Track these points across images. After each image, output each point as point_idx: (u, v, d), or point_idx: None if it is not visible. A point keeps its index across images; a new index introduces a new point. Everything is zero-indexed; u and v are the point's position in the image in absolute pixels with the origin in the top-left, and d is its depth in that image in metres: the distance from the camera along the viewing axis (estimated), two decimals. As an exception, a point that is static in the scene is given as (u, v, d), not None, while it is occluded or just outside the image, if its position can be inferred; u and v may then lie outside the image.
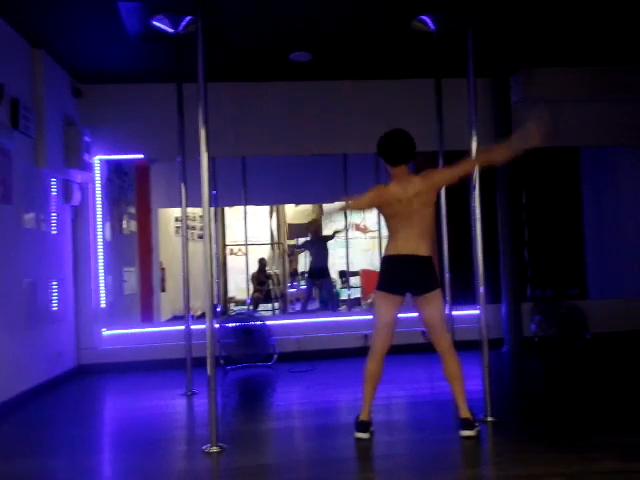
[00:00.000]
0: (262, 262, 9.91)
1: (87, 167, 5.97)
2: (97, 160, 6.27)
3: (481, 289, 3.92)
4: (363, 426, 3.47)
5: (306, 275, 9.50)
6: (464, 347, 4.52)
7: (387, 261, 3.50)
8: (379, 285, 3.50)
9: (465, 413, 3.43)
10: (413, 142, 3.50)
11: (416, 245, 3.42)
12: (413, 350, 5.78)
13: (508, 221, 6.53)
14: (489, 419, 3.72)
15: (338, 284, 9.60)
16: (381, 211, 3.58)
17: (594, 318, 6.58)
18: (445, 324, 3.59)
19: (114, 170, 6.73)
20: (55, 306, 5.55)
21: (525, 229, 7.09)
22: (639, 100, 6.64)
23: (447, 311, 5.00)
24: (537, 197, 7.21)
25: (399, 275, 3.43)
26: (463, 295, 5.55)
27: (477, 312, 3.96)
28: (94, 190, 6.28)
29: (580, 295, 7.37)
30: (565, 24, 5.26)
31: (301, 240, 10.12)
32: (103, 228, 6.30)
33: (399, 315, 3.51)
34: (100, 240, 6.25)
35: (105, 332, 6.20)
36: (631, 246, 7.31)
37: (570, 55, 6.13)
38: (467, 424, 3.41)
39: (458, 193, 5.38)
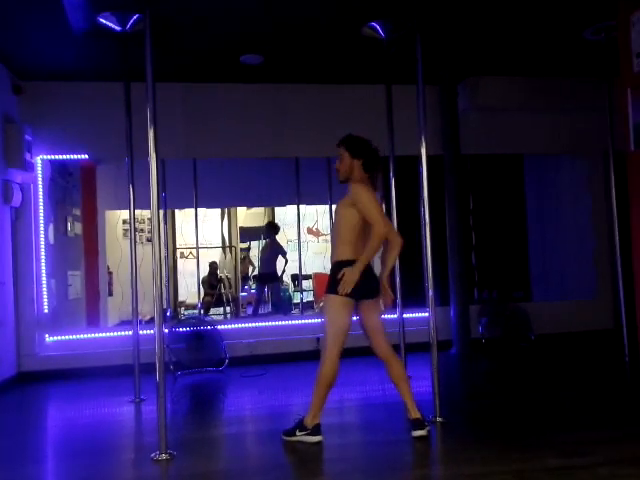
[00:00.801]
0: (213, 265, 9.78)
1: (28, 167, 5.74)
2: (39, 160, 6.05)
3: (430, 292, 4.00)
4: (318, 429, 3.47)
5: (256, 279, 9.45)
6: (414, 349, 4.60)
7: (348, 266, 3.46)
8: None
9: (415, 413, 3.48)
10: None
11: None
12: (362, 353, 5.82)
13: (456, 226, 6.68)
14: (438, 420, 3.79)
15: (291, 287, 9.58)
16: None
17: (538, 320, 6.81)
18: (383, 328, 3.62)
19: (58, 170, 6.50)
20: (-6, 312, 5.32)
21: (472, 233, 7.29)
22: (579, 109, 6.93)
23: (398, 314, 5.09)
24: (483, 202, 7.43)
25: (361, 281, 3.42)
26: (413, 298, 5.64)
27: (426, 315, 4.03)
28: (36, 191, 6.04)
29: (524, 297, 7.64)
30: (509, 35, 5.46)
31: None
32: (46, 230, 6.07)
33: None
34: (42, 243, 6.02)
35: (48, 338, 5.98)
36: (572, 250, 7.63)
37: (515, 65, 6.34)
38: (418, 424, 3.47)
39: (407, 199, 5.48)
